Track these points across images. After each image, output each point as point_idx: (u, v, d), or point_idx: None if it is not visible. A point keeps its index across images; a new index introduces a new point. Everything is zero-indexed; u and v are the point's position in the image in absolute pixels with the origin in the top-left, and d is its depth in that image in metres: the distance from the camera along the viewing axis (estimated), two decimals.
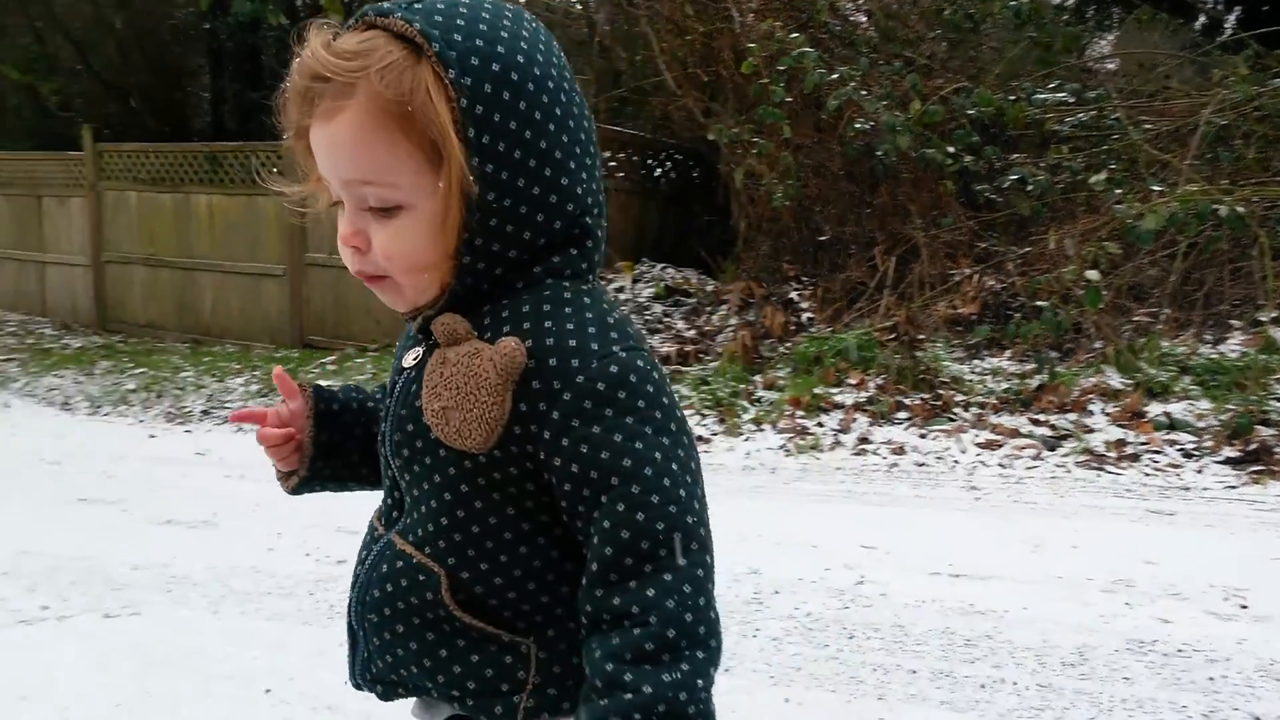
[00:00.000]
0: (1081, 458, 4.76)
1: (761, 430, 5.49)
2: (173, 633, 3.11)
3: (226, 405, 7.08)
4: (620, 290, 7.89)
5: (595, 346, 0.91)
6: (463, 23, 0.89)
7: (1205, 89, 6.79)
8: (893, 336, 6.28)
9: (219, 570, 3.67)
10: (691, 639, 0.86)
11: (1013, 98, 7.00)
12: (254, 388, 7.52)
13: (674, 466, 0.89)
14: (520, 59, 0.91)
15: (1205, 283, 6.14)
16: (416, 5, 0.91)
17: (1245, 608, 3.12)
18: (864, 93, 6.85)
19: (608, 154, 8.54)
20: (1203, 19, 11.03)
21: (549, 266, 0.96)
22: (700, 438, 5.36)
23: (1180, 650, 2.83)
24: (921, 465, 4.93)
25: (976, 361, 6.08)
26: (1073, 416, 5.12)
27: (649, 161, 9.36)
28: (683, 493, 0.89)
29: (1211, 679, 2.65)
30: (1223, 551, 3.62)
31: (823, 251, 7.72)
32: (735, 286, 7.69)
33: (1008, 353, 6.07)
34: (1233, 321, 6.01)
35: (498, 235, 0.92)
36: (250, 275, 9.43)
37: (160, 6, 13.11)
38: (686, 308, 7.85)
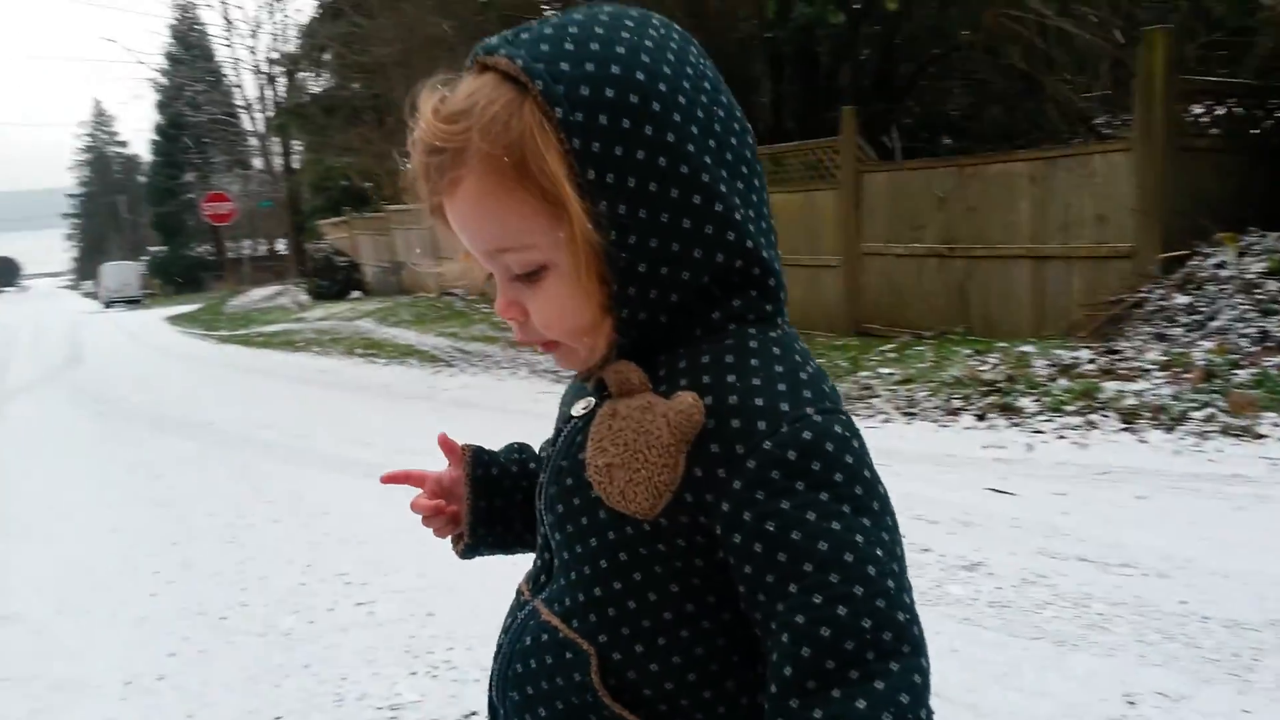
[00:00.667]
0: None
1: None
2: None
3: None
4: (1220, 267, 6.83)
5: (785, 407, 0.78)
6: (571, 46, 0.79)
7: None
8: None
9: None
10: None
11: None
12: None
13: (879, 552, 0.76)
14: (641, 77, 0.79)
15: None
16: (523, 34, 0.81)
17: None
18: None
19: (1198, 109, 7.66)
20: None
21: (729, 311, 0.84)
22: None
23: None
24: None
25: None
26: None
27: (1255, 112, 7.84)
28: (890, 584, 0.76)
29: None
30: None
31: None
32: None
33: None
34: None
35: (650, 280, 0.81)
36: (809, 268, 9.91)
37: (726, 22, 13.43)
38: None
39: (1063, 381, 6.14)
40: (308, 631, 3.36)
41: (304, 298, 22.97)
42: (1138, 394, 5.65)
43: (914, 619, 0.76)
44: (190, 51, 42.70)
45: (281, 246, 38.01)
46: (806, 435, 0.77)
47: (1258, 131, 7.73)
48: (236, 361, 13.42)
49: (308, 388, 10.19)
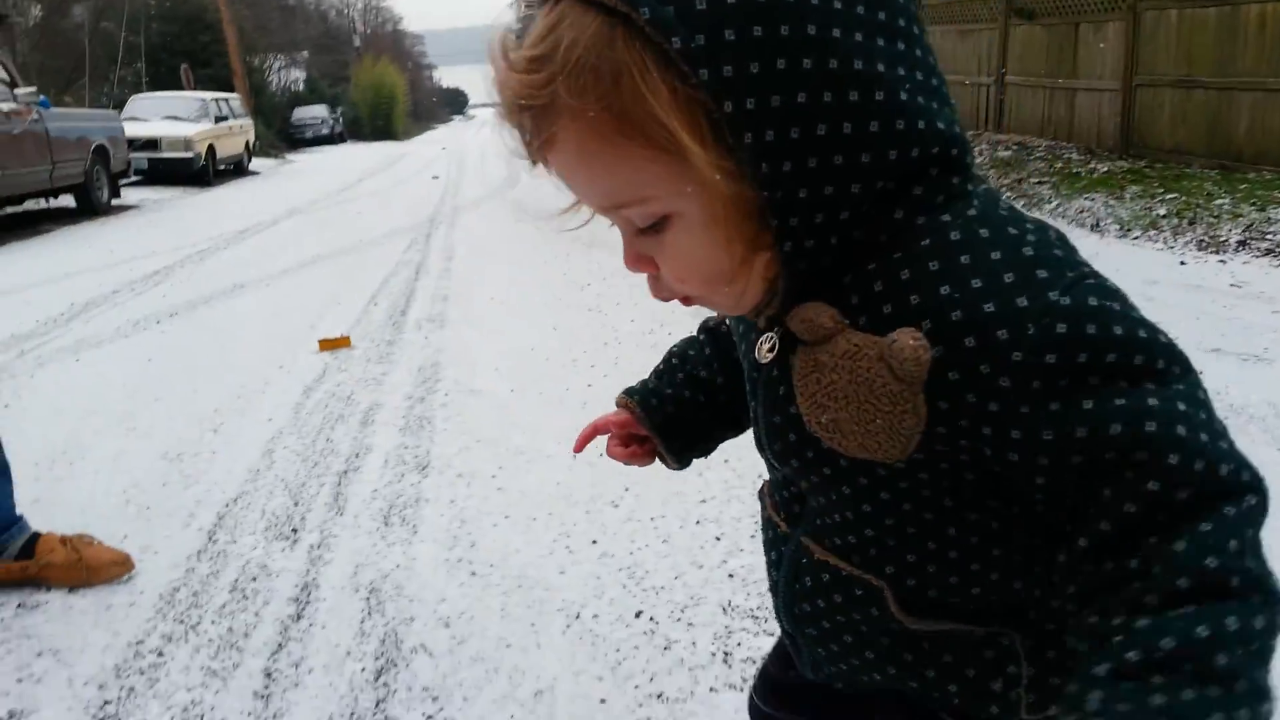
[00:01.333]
0: None
1: None
2: None
3: (1268, 235, 6.74)
4: None
5: (1024, 302, 0.65)
6: None
7: None
8: None
9: (1278, 405, 3.57)
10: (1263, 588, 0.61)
11: None
12: None
13: (1191, 413, 0.64)
14: None
15: None
16: None
17: None
18: None
19: None
20: None
21: (914, 203, 0.70)
22: None
23: None
24: None
25: None
26: None
27: None
28: (1205, 438, 0.63)
29: None
30: None
31: None
32: None
33: None
34: None
35: (814, 204, 0.68)
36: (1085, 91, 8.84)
37: None
38: None
39: None
40: None
41: None
42: None
43: (1242, 463, 0.64)
44: None
45: None
46: (1060, 329, 0.64)
47: None
48: None
49: None
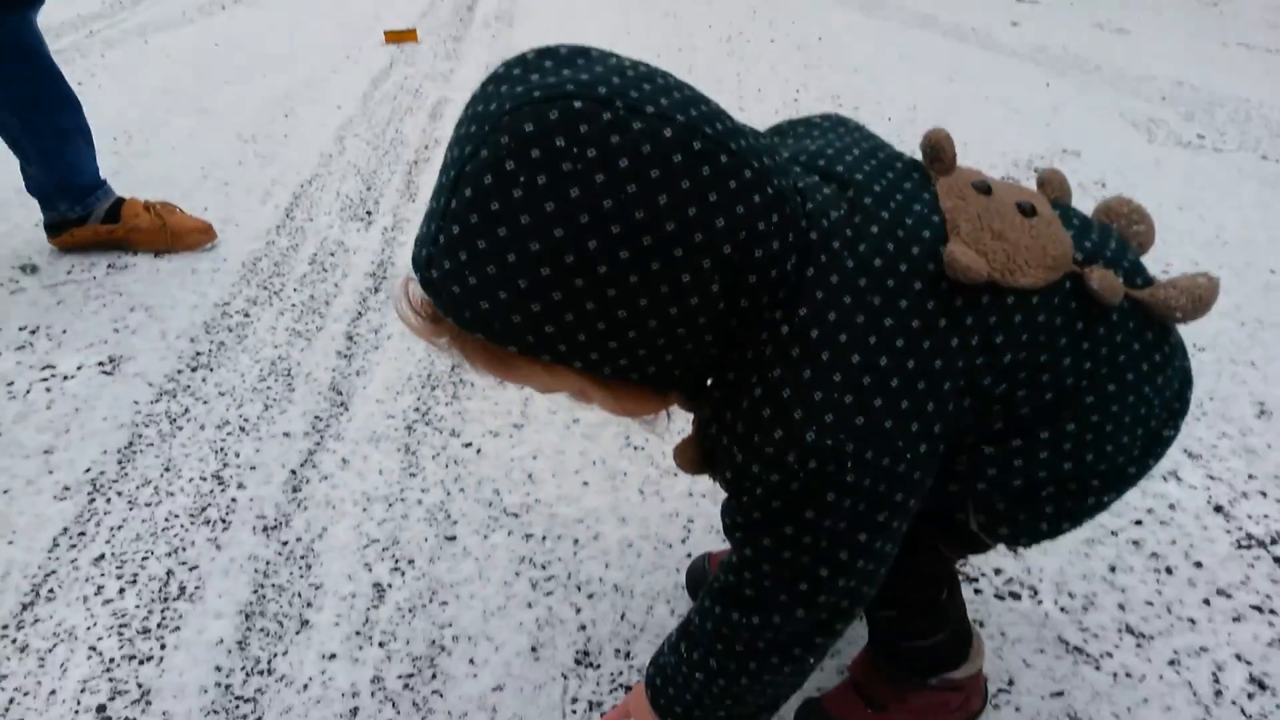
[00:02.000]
0: None
1: None
2: None
3: None
4: None
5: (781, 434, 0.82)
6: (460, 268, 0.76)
7: None
8: None
9: None
10: None
11: None
12: None
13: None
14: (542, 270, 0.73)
15: None
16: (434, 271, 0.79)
17: None
18: None
19: None
20: None
21: (757, 315, 0.82)
22: None
23: None
24: None
25: None
26: None
27: None
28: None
29: None
30: None
31: None
32: None
33: None
34: None
35: (662, 366, 0.82)
36: None
37: None
38: None
39: None
40: None
41: None
42: None
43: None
44: None
45: None
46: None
47: None
48: None
49: None
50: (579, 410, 1.92)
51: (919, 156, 0.95)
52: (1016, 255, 0.86)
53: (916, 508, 0.88)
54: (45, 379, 2.03)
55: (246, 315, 2.30)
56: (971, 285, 0.83)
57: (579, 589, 1.50)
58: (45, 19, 2.63)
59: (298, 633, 1.42)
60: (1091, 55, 4.89)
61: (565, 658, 1.37)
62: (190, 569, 1.53)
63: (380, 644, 1.40)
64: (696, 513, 1.65)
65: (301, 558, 1.56)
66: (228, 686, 1.33)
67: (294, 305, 2.34)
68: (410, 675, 1.35)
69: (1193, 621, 1.43)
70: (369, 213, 2.88)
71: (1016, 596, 1.48)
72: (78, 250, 2.58)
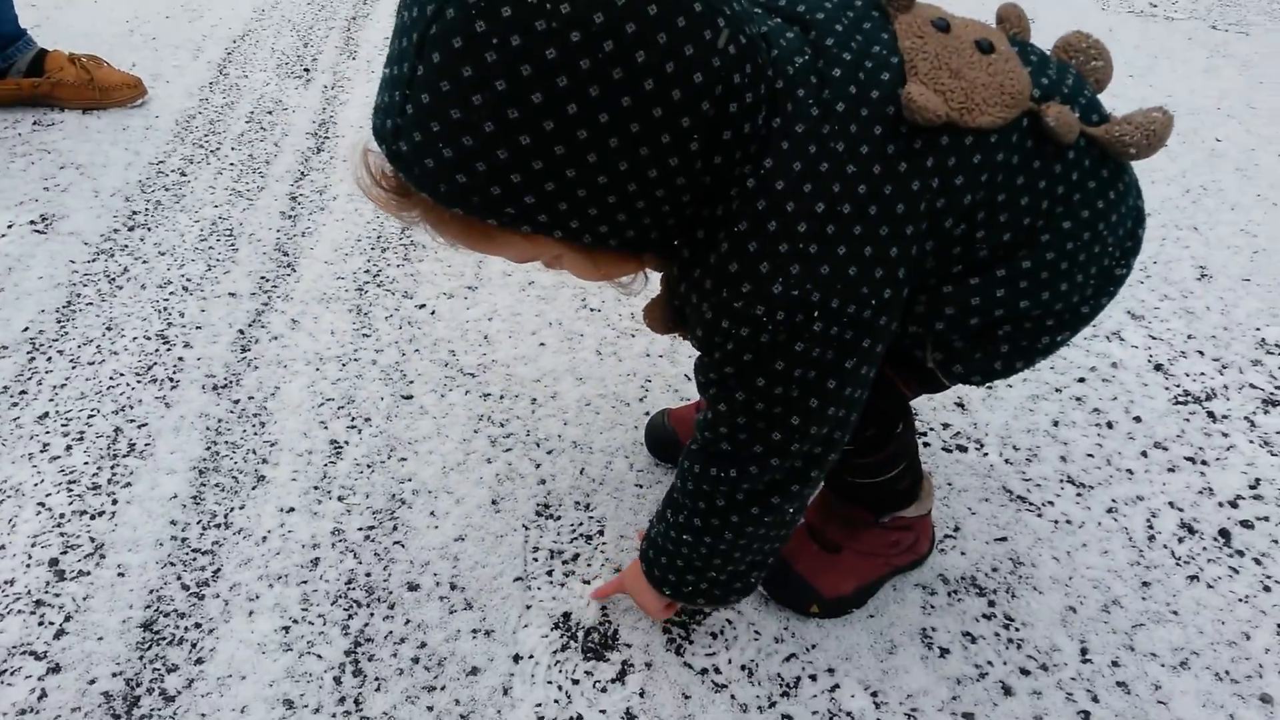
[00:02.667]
0: None
1: None
2: None
3: None
4: None
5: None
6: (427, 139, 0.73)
7: None
8: None
9: None
10: None
11: None
12: None
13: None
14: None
15: None
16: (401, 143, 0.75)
17: None
18: None
19: None
20: None
21: (730, 169, 0.80)
22: None
23: None
24: None
25: None
26: None
27: None
28: None
29: None
30: None
31: None
32: None
33: None
34: None
35: (641, 229, 0.80)
36: None
37: None
38: None
39: None
40: None
41: None
42: None
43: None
44: None
45: None
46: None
47: None
48: None
49: None
50: (534, 272, 1.90)
51: None
52: (974, 94, 0.84)
53: (883, 352, 0.89)
54: None
55: (183, 174, 2.21)
56: (930, 127, 0.82)
57: (538, 445, 1.50)
58: None
59: (254, 488, 1.41)
60: None
61: (526, 510, 1.39)
62: (139, 426, 1.51)
63: (339, 498, 1.40)
64: (654, 372, 1.65)
65: (254, 415, 1.54)
66: (184, 540, 1.32)
67: (233, 164, 2.25)
68: (371, 527, 1.35)
69: (1130, 473, 1.49)
70: (307, 70, 2.75)
71: (963, 449, 1.52)
72: None
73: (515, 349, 1.70)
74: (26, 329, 1.70)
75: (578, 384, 1.63)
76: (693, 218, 0.83)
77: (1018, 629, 1.24)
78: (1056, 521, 1.39)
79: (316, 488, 1.41)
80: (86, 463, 1.44)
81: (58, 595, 1.24)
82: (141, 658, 1.17)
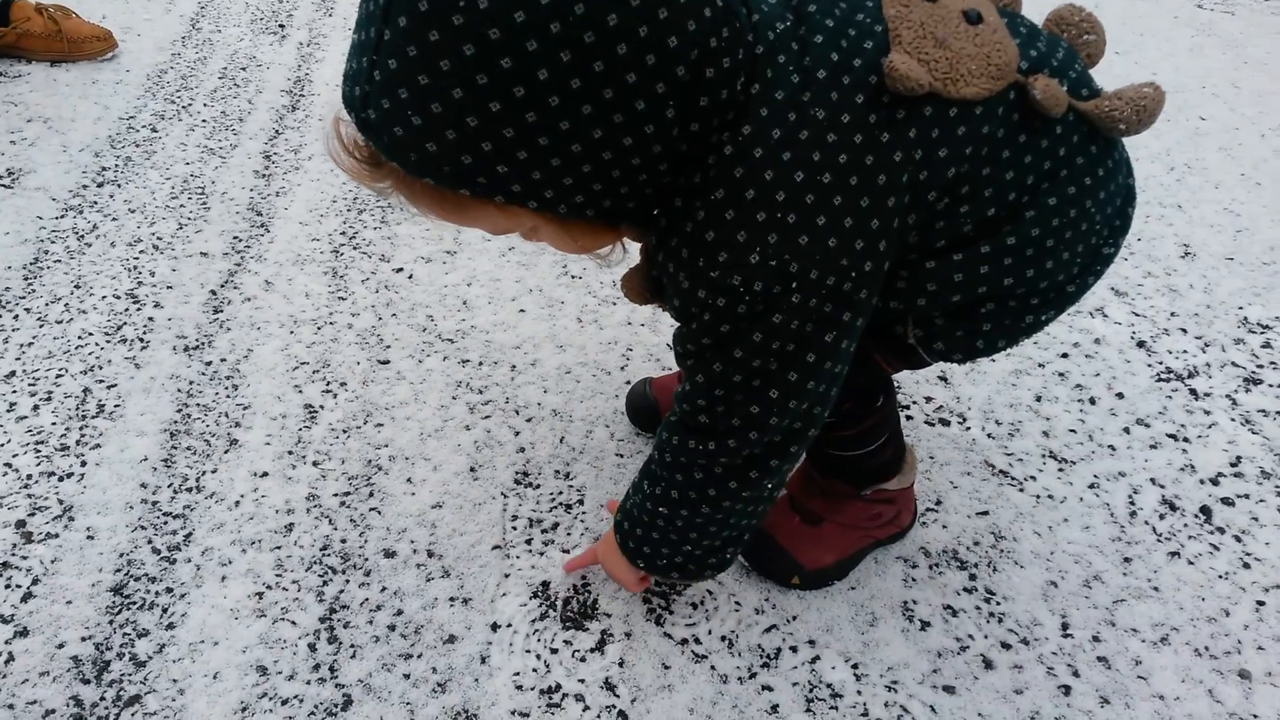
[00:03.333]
0: None
1: None
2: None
3: None
4: None
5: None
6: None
7: None
8: None
9: None
10: None
11: None
12: None
13: None
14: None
15: None
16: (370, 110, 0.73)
17: None
18: None
19: None
20: None
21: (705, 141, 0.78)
22: None
23: None
24: None
25: None
26: None
27: None
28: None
29: None
30: None
31: None
32: None
33: None
34: None
35: (616, 198, 0.78)
36: None
37: None
38: None
39: None
40: None
41: None
42: None
43: None
44: None
45: None
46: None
47: None
48: None
49: None
50: (515, 238, 1.86)
51: None
52: (960, 64, 0.82)
53: (863, 326, 0.87)
54: None
55: (154, 130, 2.15)
56: (913, 97, 0.79)
57: (517, 413, 1.48)
58: None
59: (226, 451, 1.38)
60: None
61: (505, 478, 1.37)
62: (108, 387, 1.47)
63: (314, 463, 1.37)
64: (635, 341, 1.63)
65: (227, 378, 1.51)
66: (155, 503, 1.29)
67: (205, 121, 2.20)
68: (347, 493, 1.33)
69: (1112, 449, 1.48)
70: (282, 26, 2.69)
71: (946, 423, 1.51)
72: None
73: (495, 315, 1.68)
74: None
75: (558, 351, 1.60)
76: (670, 186, 0.81)
77: (999, 603, 1.23)
78: (1038, 496, 1.39)
79: (291, 452, 1.38)
80: (54, 423, 1.40)
81: (25, 558, 1.21)
82: (111, 622, 1.14)
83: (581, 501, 1.34)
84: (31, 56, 2.37)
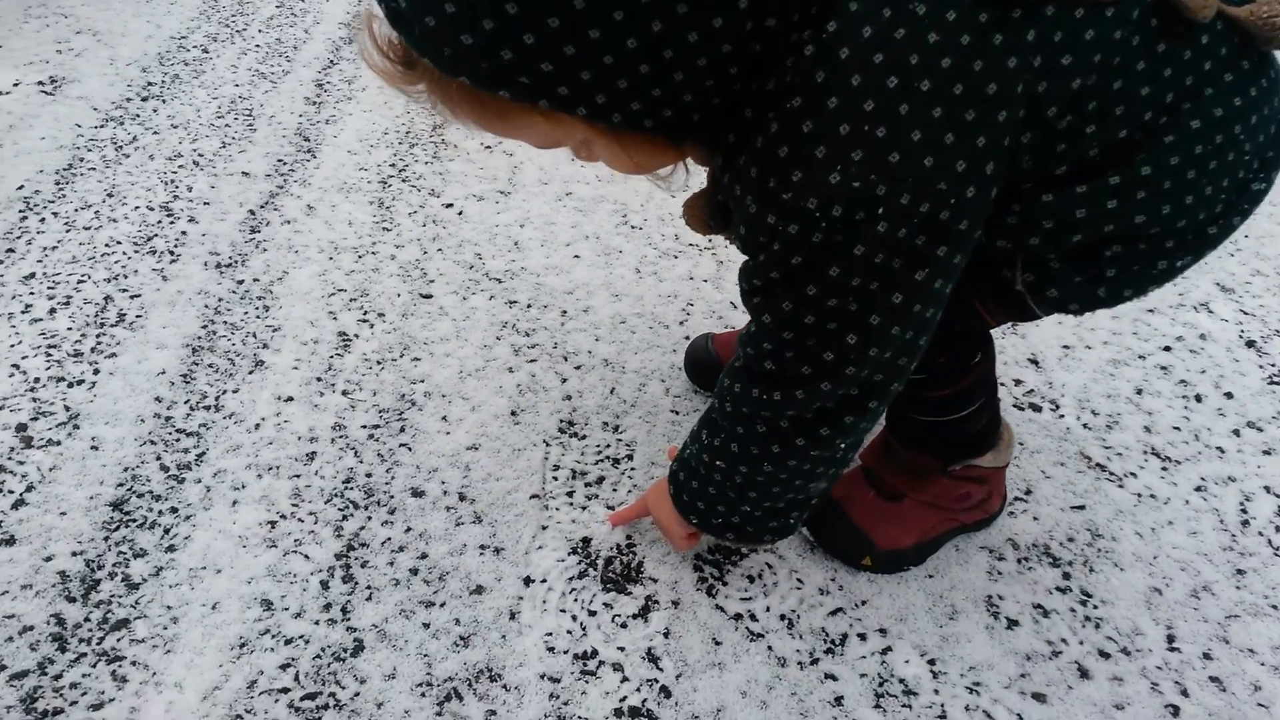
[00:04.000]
0: None
1: None
2: None
3: None
4: None
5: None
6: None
7: None
8: None
9: None
10: None
11: None
12: None
13: None
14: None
15: None
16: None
17: None
18: None
19: None
20: None
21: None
22: None
23: None
24: None
25: None
26: None
27: None
28: None
29: None
30: None
31: None
32: None
33: None
34: None
35: (680, 108, 0.66)
36: None
37: None
38: None
39: None
40: None
41: None
42: None
43: None
44: None
45: None
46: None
47: None
48: None
49: None
50: (573, 183, 1.74)
51: None
52: None
53: (962, 264, 0.74)
54: None
55: (205, 51, 2.06)
56: None
57: (565, 359, 1.36)
58: None
59: (251, 372, 1.27)
60: None
61: (548, 425, 1.24)
62: (132, 297, 1.37)
63: (344, 392, 1.26)
64: (697, 296, 1.50)
65: (259, 298, 1.40)
66: (168, 418, 1.19)
67: (258, 46, 2.10)
68: (376, 426, 1.21)
69: (1221, 451, 1.33)
70: None
71: (1037, 409, 1.37)
72: None
73: (547, 258, 1.56)
74: (21, 187, 1.56)
75: (613, 300, 1.48)
76: (740, 94, 0.68)
77: (1095, 606, 1.09)
78: (1140, 494, 1.24)
79: (320, 379, 1.27)
80: (70, 328, 1.30)
81: (21, 463, 1.11)
82: (107, 539, 1.03)
83: (630, 457, 1.21)
84: None
